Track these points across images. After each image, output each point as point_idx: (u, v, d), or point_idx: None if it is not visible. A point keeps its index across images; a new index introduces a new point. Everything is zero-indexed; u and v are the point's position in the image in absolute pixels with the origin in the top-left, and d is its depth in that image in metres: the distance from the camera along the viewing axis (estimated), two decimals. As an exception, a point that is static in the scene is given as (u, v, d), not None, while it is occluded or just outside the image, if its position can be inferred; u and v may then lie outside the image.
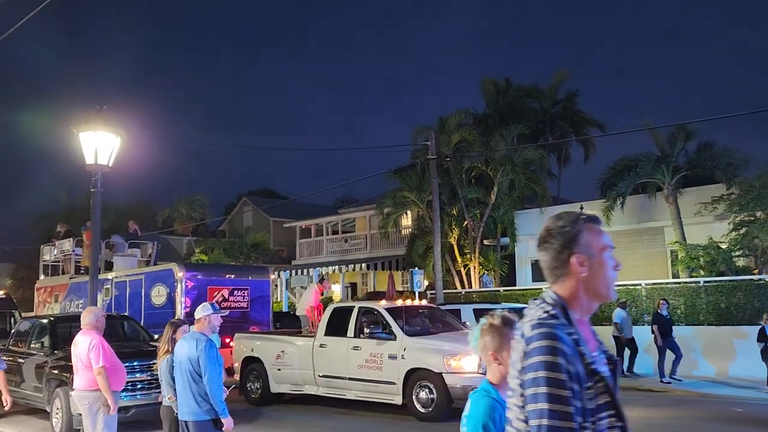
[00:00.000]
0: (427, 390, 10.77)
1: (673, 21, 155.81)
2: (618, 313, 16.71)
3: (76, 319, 12.97)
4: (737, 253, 18.37)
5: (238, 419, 10.58)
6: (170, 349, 6.50)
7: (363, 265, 31.03)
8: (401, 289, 28.03)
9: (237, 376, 13.45)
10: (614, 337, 16.47)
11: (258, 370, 13.16)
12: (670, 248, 21.76)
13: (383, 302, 12.89)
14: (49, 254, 22.28)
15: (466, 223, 25.15)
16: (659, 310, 15.76)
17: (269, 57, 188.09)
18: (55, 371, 10.38)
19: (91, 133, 8.85)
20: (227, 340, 14.13)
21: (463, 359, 10.44)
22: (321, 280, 14.27)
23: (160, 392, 7.11)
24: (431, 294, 22.04)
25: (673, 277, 20.72)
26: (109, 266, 19.74)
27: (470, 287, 24.33)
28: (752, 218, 17.92)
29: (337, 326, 12.29)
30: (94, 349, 6.79)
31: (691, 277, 18.62)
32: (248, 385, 13.33)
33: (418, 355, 10.94)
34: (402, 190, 25.39)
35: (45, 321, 12.08)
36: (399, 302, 12.97)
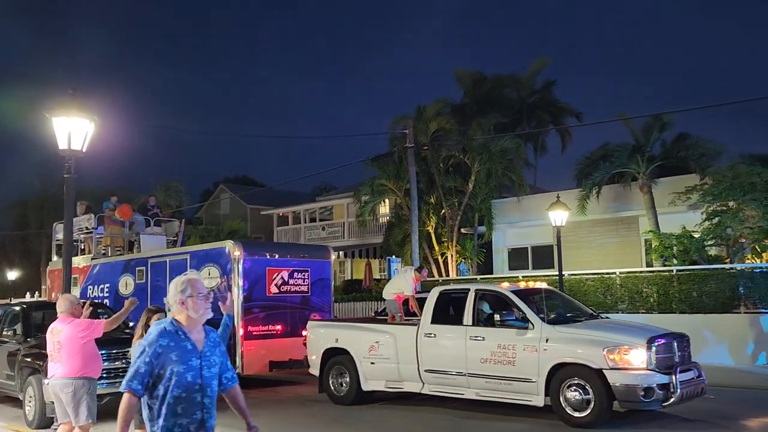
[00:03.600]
0: (579, 390, 8.95)
1: (651, 11, 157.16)
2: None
3: (48, 306, 12.87)
4: (710, 243, 18.67)
5: (328, 423, 10.24)
6: (143, 334, 6.46)
7: (340, 253, 31.04)
8: (378, 277, 28.11)
9: (313, 371, 12.00)
10: None
11: (344, 363, 11.34)
12: (644, 237, 22.05)
13: (505, 284, 11.20)
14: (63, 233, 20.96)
15: (443, 211, 25.25)
16: None
17: (247, 44, 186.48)
18: (28, 359, 10.27)
19: (65, 117, 8.71)
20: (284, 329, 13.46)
21: (631, 352, 8.81)
22: (420, 268, 12.73)
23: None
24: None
25: (646, 266, 21.00)
26: (130, 246, 18.50)
27: (447, 275, 24.45)
28: (725, 208, 18.21)
29: (447, 313, 10.67)
30: (86, 328, 6.87)
31: (665, 265, 18.89)
32: (331, 382, 11.55)
33: (566, 347, 9.16)
34: (380, 178, 25.40)
35: (17, 308, 11.92)
36: (522, 284, 11.28)
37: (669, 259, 19.24)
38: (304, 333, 12.35)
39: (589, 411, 8.82)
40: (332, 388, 11.50)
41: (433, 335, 10.36)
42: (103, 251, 18.35)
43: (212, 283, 13.27)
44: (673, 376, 8.71)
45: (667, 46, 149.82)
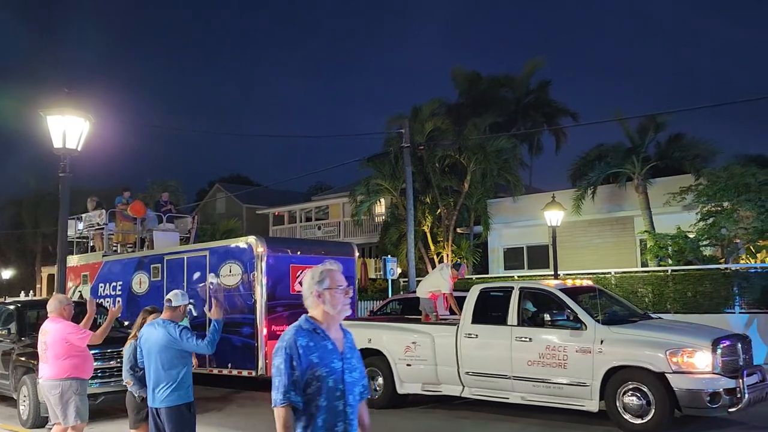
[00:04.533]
0: (638, 394, 8.42)
1: (648, 11, 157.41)
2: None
3: (43, 305, 12.82)
4: (704, 243, 18.73)
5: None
6: (137, 335, 6.46)
7: (336, 252, 30.99)
8: (374, 277, 28.12)
9: None
10: None
11: (378, 365, 10.72)
12: (639, 237, 22.11)
13: (552, 282, 10.70)
14: (73, 229, 18.88)
15: (439, 211, 25.26)
16: None
17: (243, 43, 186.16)
18: (22, 358, 10.25)
19: (60, 116, 8.69)
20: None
21: (695, 355, 8.24)
22: (458, 265, 12.21)
23: (129, 379, 7.08)
24: (404, 281, 22.12)
25: (641, 266, 21.06)
26: (141, 243, 17.91)
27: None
28: (719, 208, 18.27)
29: (488, 312, 10.08)
30: (71, 332, 6.81)
31: (660, 265, 18.95)
32: None
33: (623, 349, 8.62)
34: (375, 177, 25.38)
35: (11, 307, 11.89)
36: (568, 282, 10.66)
37: (664, 259, 19.30)
38: None
39: (649, 417, 8.29)
40: None
41: (474, 336, 9.81)
42: (114, 248, 17.74)
43: (234, 280, 12.96)
44: (740, 380, 8.20)
45: (663, 47, 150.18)
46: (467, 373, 9.79)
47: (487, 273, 24.95)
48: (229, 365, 12.75)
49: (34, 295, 35.81)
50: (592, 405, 8.73)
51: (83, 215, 18.61)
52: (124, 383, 6.74)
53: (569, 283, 10.43)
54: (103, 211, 17.91)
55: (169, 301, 5.99)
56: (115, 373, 9.96)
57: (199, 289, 13.71)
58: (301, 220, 36.27)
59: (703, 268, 17.31)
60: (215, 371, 13.00)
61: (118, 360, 9.85)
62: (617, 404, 8.54)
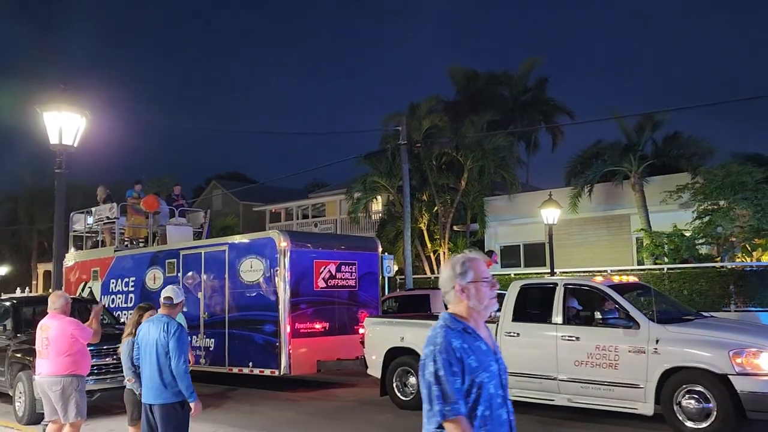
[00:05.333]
0: (697, 397, 7.94)
1: (644, 10, 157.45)
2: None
3: (38, 301, 12.79)
4: (700, 241, 18.77)
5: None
6: (134, 332, 6.45)
7: (333, 249, 30.98)
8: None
9: (372, 372, 10.94)
10: None
11: (411, 364, 10.13)
12: (635, 235, 22.14)
13: (599, 278, 10.03)
14: (81, 223, 18.44)
15: (436, 208, 25.25)
16: None
17: (241, 41, 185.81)
18: (18, 355, 10.23)
19: (56, 112, 8.67)
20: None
21: (761, 356, 7.74)
22: (490, 252, 11.25)
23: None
24: (400, 279, 22.13)
25: (638, 264, 21.09)
26: (152, 238, 17.30)
27: (440, 273, 24.44)
28: (715, 207, 18.31)
29: (530, 309, 9.67)
30: (77, 328, 6.84)
31: (656, 264, 18.98)
32: (395, 384, 10.41)
33: (681, 349, 8.15)
34: (372, 175, 25.37)
35: (7, 304, 11.85)
36: (615, 278, 10.05)
37: (660, 257, 19.33)
38: (361, 331, 11.42)
39: (710, 422, 7.80)
40: (396, 391, 10.38)
41: (515, 334, 9.31)
42: (126, 242, 17.18)
43: (255, 276, 12.52)
44: None
45: (661, 45, 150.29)
46: (509, 373, 9.13)
47: (484, 271, 24.94)
48: (250, 364, 12.34)
49: (30, 292, 35.79)
50: (647, 408, 8.26)
51: (93, 209, 18.04)
52: (125, 381, 6.72)
53: (615, 279, 9.95)
54: (114, 204, 17.30)
55: (170, 299, 5.98)
56: (111, 370, 9.97)
57: (188, 283, 13.52)
58: (298, 218, 36.24)
59: (699, 266, 17.34)
60: (234, 370, 12.62)
61: (114, 357, 9.87)
62: (674, 408, 8.07)
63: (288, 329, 11.93)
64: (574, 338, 8.84)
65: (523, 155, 33.77)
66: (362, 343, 11.24)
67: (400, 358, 10.42)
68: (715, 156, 20.82)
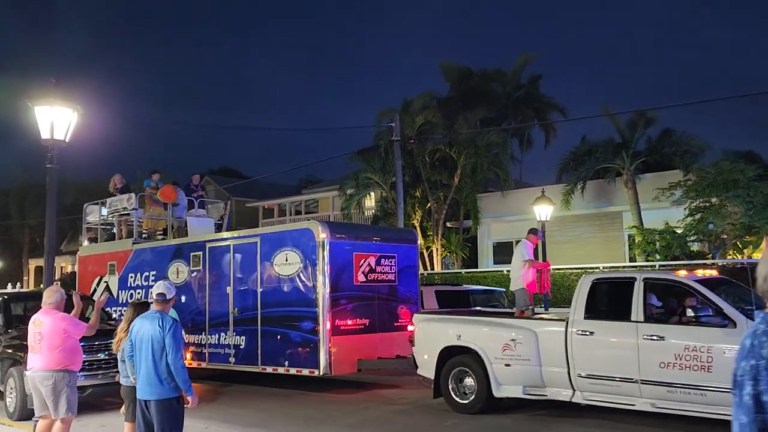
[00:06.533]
0: None
1: (640, 8, 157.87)
2: None
3: (30, 297, 12.74)
4: (692, 238, 18.84)
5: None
6: (128, 329, 6.41)
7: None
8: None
9: (423, 372, 10.18)
10: None
11: (469, 365, 9.54)
12: (627, 232, 22.22)
13: (683, 272, 9.22)
14: (95, 214, 17.65)
15: (429, 205, 25.27)
16: None
17: (233, 36, 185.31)
18: (9, 350, 10.19)
19: (47, 107, 8.63)
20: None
21: None
22: (533, 230, 10.88)
23: (117, 372, 7.06)
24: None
25: (629, 261, 21.17)
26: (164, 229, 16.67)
27: (432, 269, 24.50)
28: (707, 204, 18.38)
29: (605, 306, 8.98)
30: (70, 323, 6.86)
31: (647, 260, 19.04)
32: (451, 386, 9.70)
33: None
34: (365, 171, 25.37)
35: (-2, 299, 11.80)
36: (699, 272, 9.25)
37: (652, 254, 19.40)
38: (410, 328, 10.71)
39: None
40: (452, 393, 9.70)
41: (589, 333, 8.58)
42: (144, 235, 16.47)
43: (291, 270, 11.75)
44: None
45: (655, 42, 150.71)
46: (581, 375, 8.56)
47: (477, 267, 25.01)
48: (286, 363, 11.59)
49: (21, 287, 35.65)
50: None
51: (108, 200, 17.25)
52: (130, 379, 6.62)
53: (699, 273, 9.20)
54: (132, 194, 16.54)
55: (162, 294, 6.01)
56: (103, 366, 9.95)
57: (214, 278, 13.00)
58: (291, 213, 36.19)
59: (690, 263, 17.40)
60: (268, 369, 11.94)
61: (106, 353, 9.84)
62: None
63: (328, 326, 11.18)
64: (658, 338, 8.11)
65: (517, 152, 33.81)
66: (411, 341, 10.50)
67: (456, 357, 9.73)
68: (708, 153, 20.94)
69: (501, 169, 25.68)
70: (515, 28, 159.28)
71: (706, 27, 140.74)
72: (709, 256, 18.90)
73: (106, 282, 15.79)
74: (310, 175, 53.01)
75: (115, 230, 17.12)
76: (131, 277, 15.08)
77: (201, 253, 13.47)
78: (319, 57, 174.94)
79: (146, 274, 14.76)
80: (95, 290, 15.76)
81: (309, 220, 34.49)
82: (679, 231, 18.79)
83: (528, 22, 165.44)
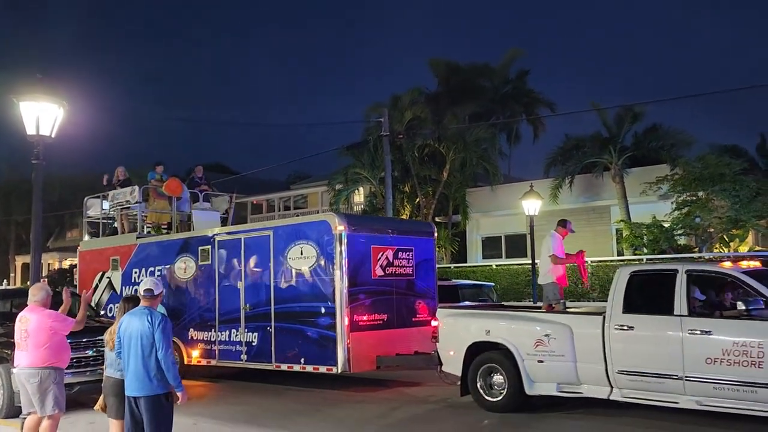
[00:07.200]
0: None
1: (630, 3, 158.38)
2: None
3: (16, 294, 12.63)
4: (679, 232, 18.99)
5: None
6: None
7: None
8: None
9: (449, 369, 9.80)
10: None
11: (499, 361, 9.21)
12: (615, 227, 22.35)
13: (727, 263, 9.06)
14: (96, 208, 17.13)
15: (418, 200, 25.30)
16: None
17: (222, 31, 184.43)
18: (-4, 348, 10.09)
19: (33, 102, 8.56)
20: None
21: None
22: (563, 222, 10.53)
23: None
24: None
25: (617, 255, 21.30)
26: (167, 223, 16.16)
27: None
28: (694, 198, 18.52)
29: (644, 299, 8.56)
30: (57, 320, 6.82)
31: (635, 254, 19.16)
32: (480, 384, 9.34)
33: None
34: (354, 166, 25.37)
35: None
36: (743, 263, 8.85)
37: (639, 248, 19.53)
38: (433, 323, 10.40)
39: None
40: (481, 391, 9.33)
41: (628, 328, 8.24)
42: (148, 229, 15.99)
43: (306, 264, 11.39)
44: None
45: (643, 37, 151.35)
46: (620, 371, 8.22)
47: (466, 262, 25.08)
48: (302, 360, 11.24)
49: (8, 284, 35.38)
50: None
51: (109, 193, 16.67)
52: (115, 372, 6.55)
53: (744, 264, 8.81)
54: (136, 187, 15.96)
55: (150, 290, 6.00)
56: (91, 363, 9.88)
57: (223, 272, 12.73)
58: (280, 209, 36.13)
59: (677, 257, 17.54)
60: (283, 367, 11.54)
61: (94, 349, 9.78)
62: None
63: (346, 322, 10.84)
64: (704, 332, 7.73)
65: (505, 147, 33.90)
66: (434, 337, 10.15)
67: (484, 354, 9.37)
68: (694, 147, 21.10)
69: (489, 163, 25.74)
70: (506, 25, 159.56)
71: (699, 24, 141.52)
72: (696, 249, 19.06)
73: (108, 278, 15.37)
74: (299, 170, 52.91)
75: (116, 224, 16.62)
76: (135, 272, 14.62)
77: (209, 247, 13.08)
78: (309, 53, 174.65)
79: (151, 269, 14.32)
80: (97, 286, 15.34)
81: (297, 215, 34.53)
82: (666, 225, 18.93)
83: (523, 20, 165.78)
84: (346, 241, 11.01)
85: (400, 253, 11.89)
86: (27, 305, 7.03)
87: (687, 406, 7.84)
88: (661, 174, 19.86)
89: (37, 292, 6.99)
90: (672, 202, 18.98)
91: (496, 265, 21.78)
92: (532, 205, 18.32)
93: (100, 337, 8.38)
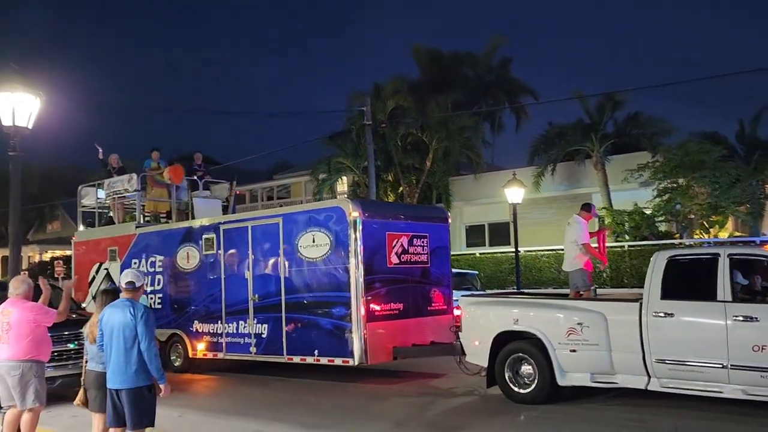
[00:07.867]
0: None
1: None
2: None
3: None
4: (660, 219, 19.17)
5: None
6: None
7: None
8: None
9: (473, 359, 9.48)
10: None
11: (529, 351, 8.80)
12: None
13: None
14: (91, 197, 16.50)
15: (401, 189, 25.31)
16: None
17: (204, 20, 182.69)
18: (-24, 342, 9.99)
19: (9, 93, 8.44)
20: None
21: None
22: (587, 206, 10.16)
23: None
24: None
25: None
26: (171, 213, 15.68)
27: None
28: (675, 185, 18.69)
29: (684, 285, 8.20)
30: (39, 312, 6.79)
31: (617, 241, 19.32)
32: (508, 375, 8.93)
33: None
34: (337, 156, 25.31)
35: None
36: None
37: (621, 235, 19.69)
38: (456, 312, 9.98)
39: None
40: (509, 382, 8.94)
41: (667, 314, 7.90)
42: (147, 218, 15.48)
43: (319, 252, 10.95)
44: None
45: (627, 26, 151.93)
46: (658, 360, 7.90)
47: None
48: (315, 352, 10.83)
49: (-11, 278, 34.97)
50: None
51: (105, 181, 16.05)
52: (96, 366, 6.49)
53: None
54: (134, 175, 15.34)
55: (131, 283, 5.96)
56: (73, 356, 9.80)
57: (230, 262, 12.35)
58: (263, 199, 36.01)
59: (658, 243, 17.71)
60: (296, 359, 11.15)
61: (75, 342, 9.71)
62: None
63: (363, 312, 10.40)
64: (751, 318, 7.44)
65: (488, 135, 33.90)
66: (457, 326, 9.79)
67: (512, 343, 8.97)
68: (674, 135, 21.28)
69: (473, 152, 25.78)
70: (488, 11, 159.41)
71: (682, 12, 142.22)
72: (677, 235, 19.25)
73: (106, 269, 14.90)
74: (283, 160, 52.71)
75: (112, 213, 16.19)
76: (135, 263, 14.20)
77: (214, 235, 12.64)
78: (290, 42, 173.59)
79: (152, 259, 13.91)
80: (94, 278, 15.03)
81: (281, 206, 34.41)
82: (647, 212, 19.09)
83: (502, 4, 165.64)
84: (361, 227, 10.57)
85: (414, 239, 11.50)
86: (8, 298, 6.97)
87: (731, 395, 7.54)
88: (642, 161, 20.01)
89: (18, 285, 6.94)
90: (653, 189, 19.14)
91: (480, 254, 21.88)
92: (515, 194, 18.39)
93: (80, 330, 8.30)
